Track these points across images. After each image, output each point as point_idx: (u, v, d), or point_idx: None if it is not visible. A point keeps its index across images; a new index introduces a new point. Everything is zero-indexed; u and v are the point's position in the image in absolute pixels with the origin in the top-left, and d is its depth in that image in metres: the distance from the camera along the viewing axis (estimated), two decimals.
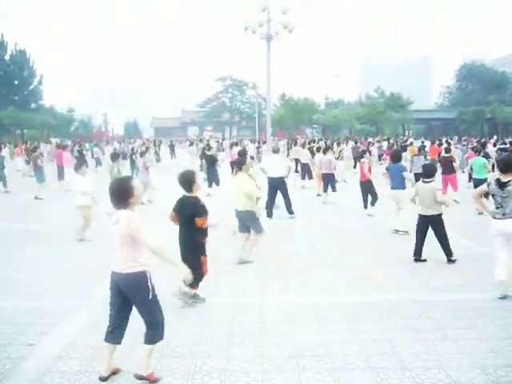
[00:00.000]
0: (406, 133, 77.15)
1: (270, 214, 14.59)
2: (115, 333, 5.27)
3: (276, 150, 16.46)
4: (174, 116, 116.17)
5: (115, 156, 16.56)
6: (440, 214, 9.60)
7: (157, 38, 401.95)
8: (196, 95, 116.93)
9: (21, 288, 8.42)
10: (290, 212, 14.76)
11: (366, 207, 15.17)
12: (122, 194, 5.07)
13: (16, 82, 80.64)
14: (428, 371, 5.36)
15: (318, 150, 19.94)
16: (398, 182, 12.44)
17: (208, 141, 42.46)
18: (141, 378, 5.21)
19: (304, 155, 22.73)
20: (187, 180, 7.53)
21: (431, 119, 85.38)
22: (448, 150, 18.21)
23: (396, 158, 12.85)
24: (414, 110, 75.55)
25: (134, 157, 24.18)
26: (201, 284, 7.55)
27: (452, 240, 10.76)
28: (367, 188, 14.99)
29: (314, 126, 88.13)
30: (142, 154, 18.65)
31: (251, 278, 8.91)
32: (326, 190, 17.64)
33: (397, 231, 12.34)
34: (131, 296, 5.25)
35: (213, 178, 19.56)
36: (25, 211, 16.38)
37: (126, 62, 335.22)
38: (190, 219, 7.33)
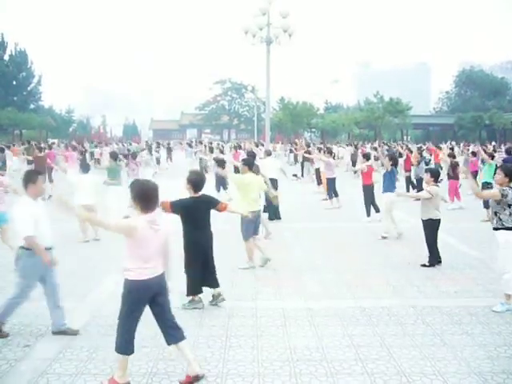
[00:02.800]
0: (405, 138, 77.25)
1: (272, 217, 14.55)
2: (133, 342, 5.15)
3: (269, 153, 16.66)
4: (173, 118, 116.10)
5: (115, 155, 16.28)
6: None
7: (156, 40, 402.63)
8: (195, 98, 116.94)
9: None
10: (277, 217, 14.82)
11: (368, 214, 14.79)
12: (157, 197, 5.18)
13: (14, 83, 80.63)
14: (425, 377, 5.36)
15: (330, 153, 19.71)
16: (392, 185, 12.62)
17: (220, 144, 41.77)
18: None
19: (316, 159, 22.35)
20: (204, 180, 7.67)
21: (429, 124, 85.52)
22: (453, 155, 18.25)
23: (396, 162, 13.00)
24: (412, 115, 75.62)
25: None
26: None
27: (449, 245, 10.81)
28: (370, 192, 14.78)
29: (313, 129, 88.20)
30: (135, 156, 18.47)
31: (246, 282, 8.91)
32: (330, 196, 17.58)
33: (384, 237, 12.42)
34: (164, 295, 5.29)
35: (221, 183, 19.02)
36: None
37: (126, 64, 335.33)
38: (208, 217, 7.56)
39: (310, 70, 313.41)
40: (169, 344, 5.33)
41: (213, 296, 7.65)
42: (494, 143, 51.29)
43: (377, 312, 7.36)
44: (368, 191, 14.74)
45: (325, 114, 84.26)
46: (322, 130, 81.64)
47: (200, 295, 7.56)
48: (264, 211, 14.56)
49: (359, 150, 34.45)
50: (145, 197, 5.02)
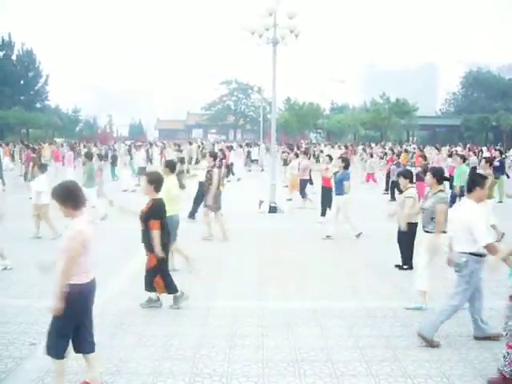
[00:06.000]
0: (411, 139, 77.10)
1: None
2: (66, 348, 4.94)
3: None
4: (179, 118, 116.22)
5: (91, 156, 16.41)
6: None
7: (163, 40, 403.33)
8: (201, 98, 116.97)
9: (23, 287, 8.42)
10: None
11: (324, 214, 14.61)
12: (83, 193, 5.07)
13: (22, 82, 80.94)
14: (430, 379, 5.34)
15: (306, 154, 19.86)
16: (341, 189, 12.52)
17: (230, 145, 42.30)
18: None
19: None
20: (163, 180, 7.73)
21: (436, 126, 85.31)
22: (425, 157, 18.55)
23: (347, 164, 12.97)
24: (418, 117, 75.48)
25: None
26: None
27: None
28: (327, 195, 14.55)
29: (319, 130, 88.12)
30: (101, 158, 18.44)
31: (251, 282, 8.91)
32: (303, 196, 17.61)
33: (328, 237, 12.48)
34: (93, 301, 5.11)
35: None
36: (22, 210, 16.32)
37: (132, 64, 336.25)
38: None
39: (315, 70, 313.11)
40: (78, 352, 5.04)
41: (176, 297, 7.54)
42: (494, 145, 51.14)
43: (382, 313, 7.35)
44: (326, 193, 14.55)
45: (331, 115, 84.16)
46: (328, 131, 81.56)
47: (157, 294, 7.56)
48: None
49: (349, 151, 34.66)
50: (72, 195, 4.86)
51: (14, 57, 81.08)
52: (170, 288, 7.43)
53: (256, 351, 6.02)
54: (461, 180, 14.52)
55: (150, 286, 7.44)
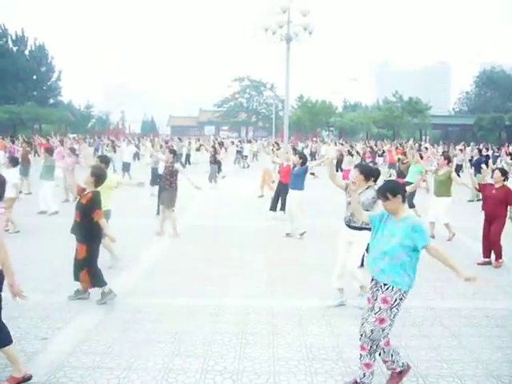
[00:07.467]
0: (423, 138, 76.76)
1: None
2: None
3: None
4: (191, 115, 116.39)
5: (51, 151, 16.34)
6: None
7: (175, 37, 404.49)
8: (213, 95, 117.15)
9: (35, 282, 8.46)
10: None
11: (275, 210, 14.82)
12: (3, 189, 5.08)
13: (35, 77, 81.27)
14: (442, 379, 5.32)
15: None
16: (301, 183, 12.50)
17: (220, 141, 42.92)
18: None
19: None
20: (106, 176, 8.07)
21: (449, 125, 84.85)
22: (404, 153, 18.47)
23: (305, 160, 12.88)
24: (431, 116, 75.14)
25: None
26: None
27: (466, 246, 10.70)
28: (283, 191, 14.39)
29: (331, 128, 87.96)
30: (74, 151, 18.35)
31: (261, 280, 8.89)
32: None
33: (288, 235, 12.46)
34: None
35: (214, 175, 22.41)
36: (28, 204, 16.42)
37: (144, 60, 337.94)
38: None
39: (328, 68, 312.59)
40: None
41: (103, 293, 7.56)
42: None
43: None
44: (284, 189, 14.26)
45: (343, 113, 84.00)
46: (341, 129, 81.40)
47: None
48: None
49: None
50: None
51: (26, 52, 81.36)
52: (97, 282, 7.46)
53: (267, 349, 6.01)
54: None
55: (77, 276, 7.52)
